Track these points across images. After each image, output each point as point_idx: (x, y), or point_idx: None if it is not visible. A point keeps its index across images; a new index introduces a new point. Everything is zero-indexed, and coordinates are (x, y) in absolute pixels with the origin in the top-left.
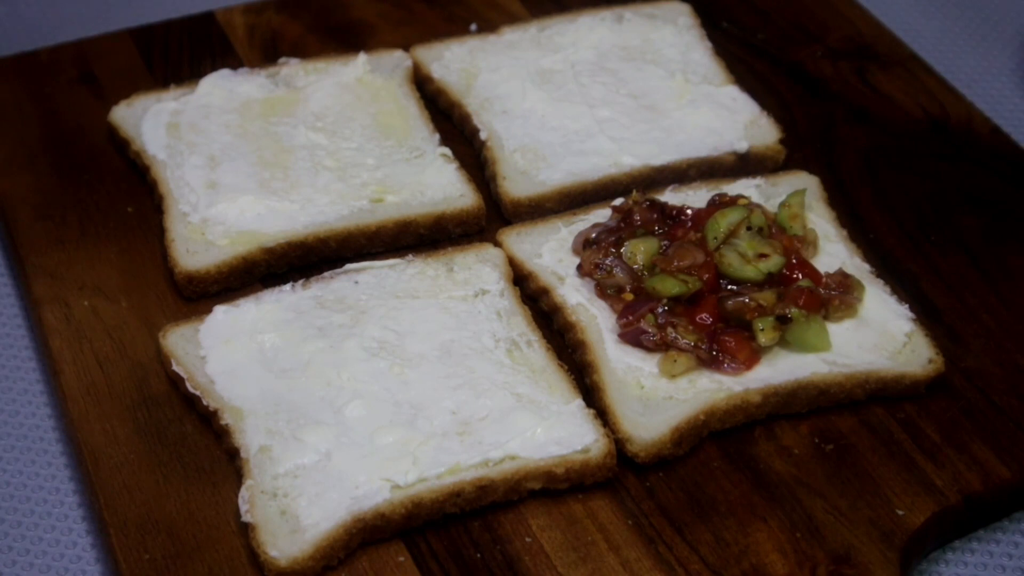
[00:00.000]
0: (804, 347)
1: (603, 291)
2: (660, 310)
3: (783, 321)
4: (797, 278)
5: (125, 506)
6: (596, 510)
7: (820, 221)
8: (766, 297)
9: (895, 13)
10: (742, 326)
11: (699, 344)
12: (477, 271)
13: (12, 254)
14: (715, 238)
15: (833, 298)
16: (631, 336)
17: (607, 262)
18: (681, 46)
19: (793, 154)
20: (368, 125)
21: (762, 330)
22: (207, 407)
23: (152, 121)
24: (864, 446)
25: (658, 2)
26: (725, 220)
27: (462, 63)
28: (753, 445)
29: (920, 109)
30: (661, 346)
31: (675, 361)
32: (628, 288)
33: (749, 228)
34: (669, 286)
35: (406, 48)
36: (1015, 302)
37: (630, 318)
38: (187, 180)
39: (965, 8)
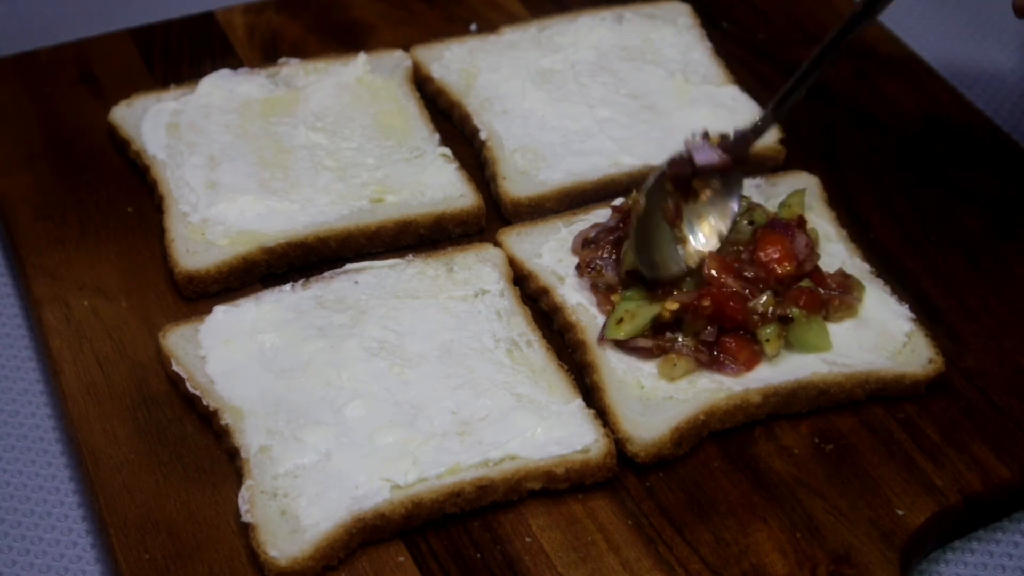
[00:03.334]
0: (805, 347)
1: (597, 289)
2: None
3: (784, 322)
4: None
5: (125, 506)
6: (596, 510)
7: (820, 221)
8: (765, 303)
9: (895, 13)
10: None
11: (699, 347)
12: (477, 271)
13: (12, 254)
14: None
15: (833, 298)
16: (626, 346)
17: (598, 261)
18: (681, 46)
19: (793, 154)
20: (368, 125)
21: (767, 341)
22: (207, 407)
23: (152, 121)
24: (864, 446)
25: (658, 2)
26: None
27: (462, 63)
28: (753, 445)
29: (920, 109)
30: (658, 351)
31: (675, 365)
32: (620, 290)
33: (750, 223)
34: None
35: (406, 48)
36: (1015, 302)
37: None
38: (187, 180)
39: (965, 8)
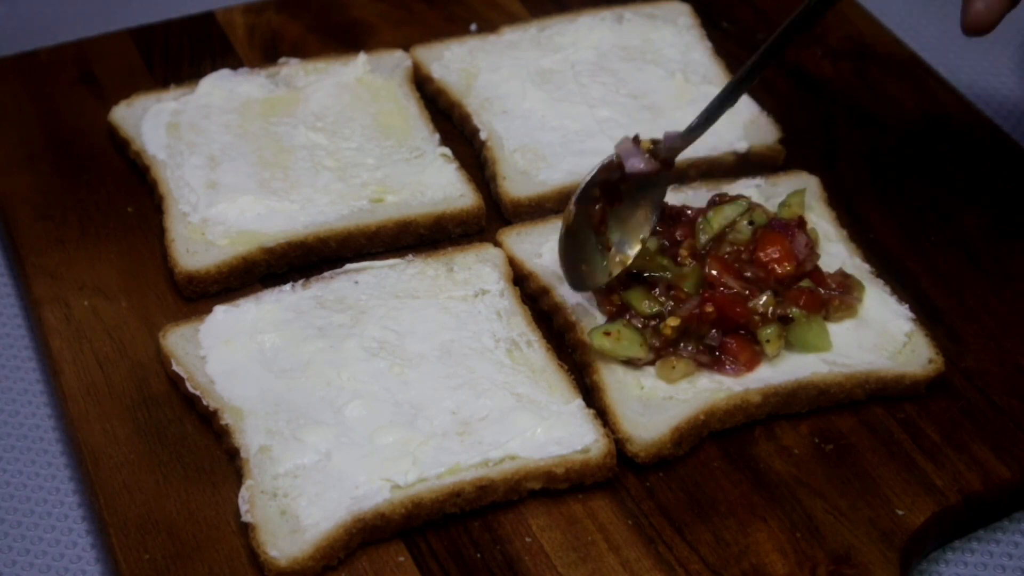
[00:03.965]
0: (805, 347)
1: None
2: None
3: (785, 322)
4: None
5: (125, 506)
6: (596, 510)
7: (820, 221)
8: (765, 303)
9: (895, 13)
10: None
11: (700, 349)
12: (477, 271)
13: (12, 254)
14: (708, 238)
15: (833, 298)
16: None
17: None
18: (681, 46)
19: (793, 154)
20: (368, 125)
21: (768, 341)
22: (207, 407)
23: (152, 121)
24: (864, 446)
25: (658, 2)
26: (719, 217)
27: (462, 63)
28: (753, 445)
29: (920, 109)
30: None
31: (673, 368)
32: (620, 289)
33: (750, 223)
34: (644, 306)
35: (406, 48)
36: (1015, 302)
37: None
38: (187, 180)
39: None
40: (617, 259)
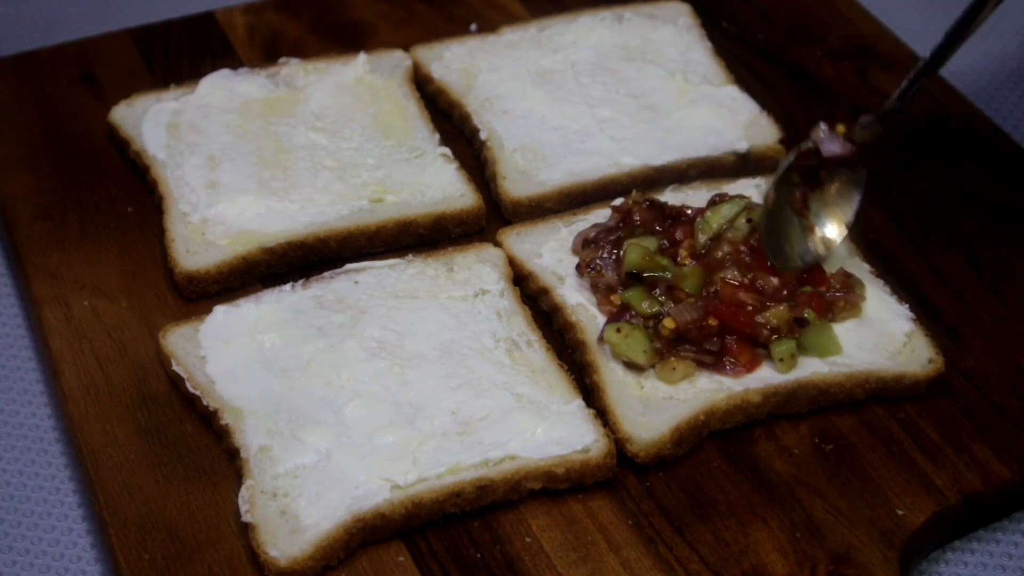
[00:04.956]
0: (819, 352)
1: (597, 289)
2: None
3: (801, 324)
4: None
5: (125, 506)
6: (596, 510)
7: None
8: (779, 314)
9: (895, 13)
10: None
11: (702, 351)
12: (477, 271)
13: (12, 254)
14: (707, 238)
15: (838, 299)
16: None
17: (598, 261)
18: (681, 46)
19: None
20: (368, 125)
21: (781, 360)
22: (207, 407)
23: (152, 121)
24: (864, 446)
25: (658, 2)
26: (718, 216)
27: (462, 63)
28: (753, 445)
29: (920, 109)
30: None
31: (674, 369)
32: (620, 289)
33: (749, 221)
34: (644, 306)
35: (406, 48)
36: (1015, 302)
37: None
38: (187, 180)
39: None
40: (822, 241)
